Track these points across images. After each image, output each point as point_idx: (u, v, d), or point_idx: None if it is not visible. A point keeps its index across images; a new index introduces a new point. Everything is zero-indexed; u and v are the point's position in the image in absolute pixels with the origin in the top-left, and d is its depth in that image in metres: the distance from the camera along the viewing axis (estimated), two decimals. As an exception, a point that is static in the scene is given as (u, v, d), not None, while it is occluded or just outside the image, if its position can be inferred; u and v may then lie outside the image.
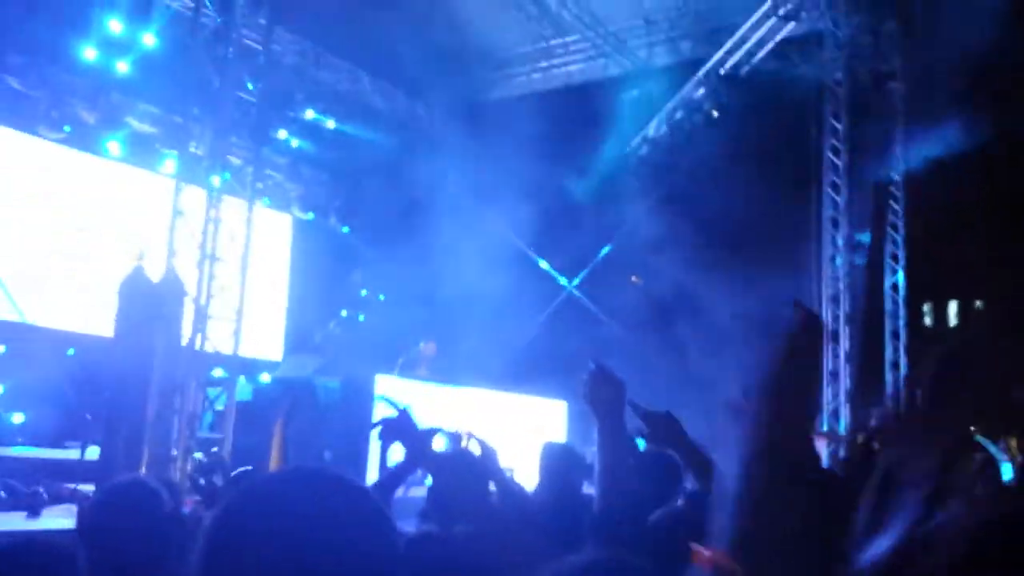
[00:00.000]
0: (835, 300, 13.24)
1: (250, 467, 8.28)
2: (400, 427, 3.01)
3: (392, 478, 3.33)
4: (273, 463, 8.65)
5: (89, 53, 11.78)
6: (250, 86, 8.50)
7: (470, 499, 2.90)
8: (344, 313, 15.35)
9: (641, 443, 3.70)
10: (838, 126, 13.30)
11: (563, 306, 15.41)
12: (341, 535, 1.23)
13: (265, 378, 11.85)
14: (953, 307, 15.32)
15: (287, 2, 11.44)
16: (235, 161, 8.73)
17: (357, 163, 14.42)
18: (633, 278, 15.36)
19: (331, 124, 14.24)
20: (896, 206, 13.95)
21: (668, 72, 13.84)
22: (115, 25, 11.72)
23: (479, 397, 11.79)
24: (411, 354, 11.23)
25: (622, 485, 2.47)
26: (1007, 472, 10.90)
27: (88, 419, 8.76)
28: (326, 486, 1.29)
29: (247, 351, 9.90)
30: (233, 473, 8.10)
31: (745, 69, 12.88)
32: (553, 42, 14.53)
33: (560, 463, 4.41)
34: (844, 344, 13.18)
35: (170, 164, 12.09)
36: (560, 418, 13.25)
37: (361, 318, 15.41)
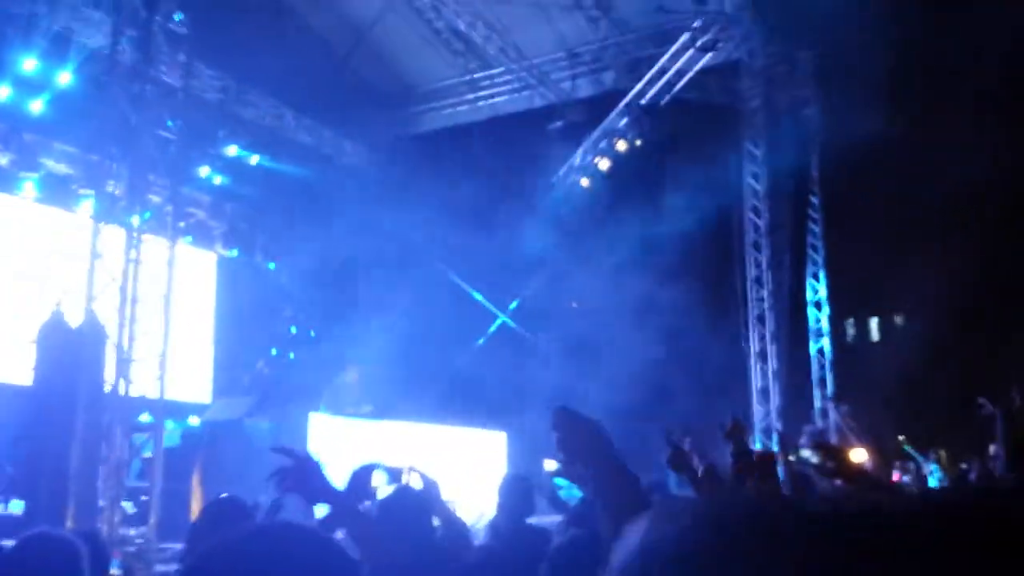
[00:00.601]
0: (761, 320, 13.54)
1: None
2: (304, 479, 2.62)
3: None
4: (194, 512, 8.40)
5: (2, 92, 11.46)
6: (169, 123, 8.34)
7: (414, 535, 2.85)
8: (274, 351, 15.10)
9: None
10: (756, 152, 13.69)
11: (497, 336, 15.42)
12: None
13: (194, 421, 11.53)
14: (874, 323, 15.78)
15: (208, 40, 11.32)
16: (155, 199, 8.54)
17: (282, 199, 14.25)
18: (573, 303, 15.46)
19: (255, 160, 14.07)
20: (815, 227, 14.37)
21: (592, 103, 14.06)
22: (29, 64, 11.43)
23: (417, 431, 11.69)
24: (334, 386, 11.09)
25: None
26: (934, 481, 11.22)
27: (9, 472, 8.40)
28: (299, 545, 1.22)
29: (174, 394, 9.63)
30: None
31: (666, 99, 13.14)
32: (478, 75, 14.64)
33: (518, 494, 4.32)
34: (772, 363, 13.47)
35: (88, 205, 11.78)
36: (500, 449, 13.22)
37: (291, 356, 15.17)
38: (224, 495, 3.12)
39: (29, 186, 12.28)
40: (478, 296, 15.26)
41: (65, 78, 11.74)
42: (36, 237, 11.96)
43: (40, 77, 11.64)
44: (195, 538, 2.93)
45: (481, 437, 12.59)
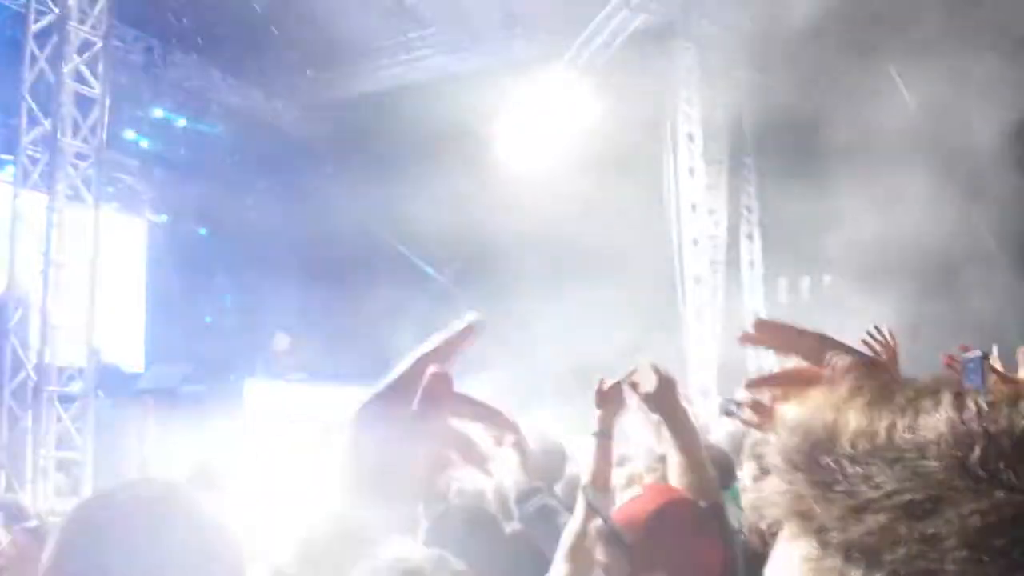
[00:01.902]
0: (697, 280, 13.71)
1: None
2: None
3: None
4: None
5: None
6: (93, 85, 8.05)
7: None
8: (208, 319, 14.85)
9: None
10: (690, 112, 13.77)
11: (436, 297, 15.33)
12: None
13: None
14: (805, 283, 16.08)
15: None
16: (80, 164, 8.26)
17: (212, 163, 13.93)
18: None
19: (182, 123, 13.72)
20: (749, 187, 14.57)
21: (527, 64, 13.97)
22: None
23: (351, 393, 11.57)
24: (267, 353, 10.95)
25: None
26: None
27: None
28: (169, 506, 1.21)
29: (105, 362, 9.41)
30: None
31: (601, 61, 13.12)
32: (411, 35, 14.43)
33: None
34: (709, 325, 13.67)
35: (10, 171, 11.38)
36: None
37: (227, 324, 14.92)
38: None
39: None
40: (416, 258, 15.14)
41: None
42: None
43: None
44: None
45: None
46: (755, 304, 14.51)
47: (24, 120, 7.95)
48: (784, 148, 14.26)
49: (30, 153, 8.10)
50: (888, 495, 0.49)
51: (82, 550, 1.17)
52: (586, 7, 13.46)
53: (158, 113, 13.42)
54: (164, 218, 14.27)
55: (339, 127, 14.25)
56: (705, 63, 13.55)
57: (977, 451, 0.49)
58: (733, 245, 14.53)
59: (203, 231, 14.80)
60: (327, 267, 13.52)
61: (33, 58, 7.88)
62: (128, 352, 12.62)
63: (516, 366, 10.40)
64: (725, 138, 14.09)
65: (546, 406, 8.54)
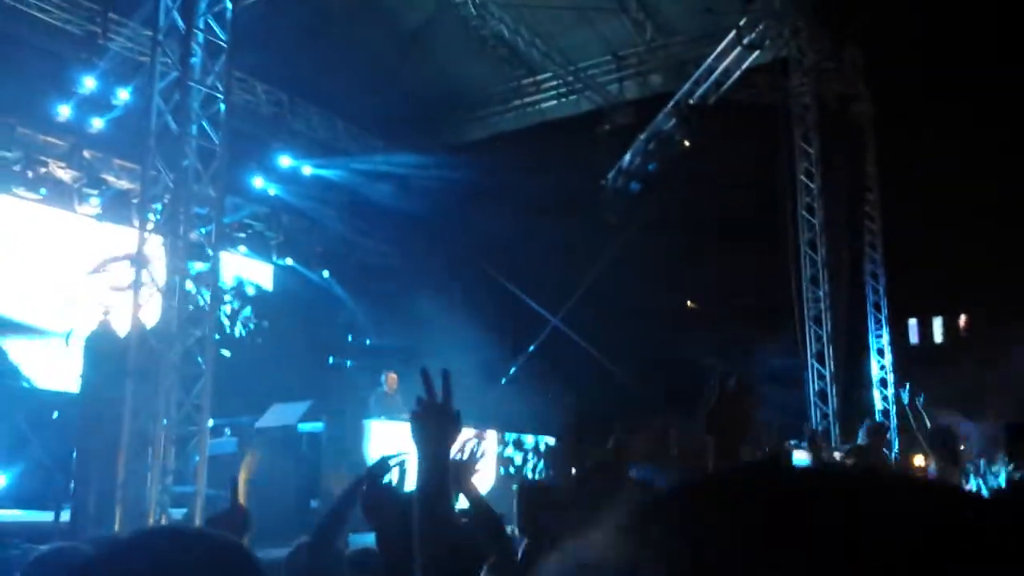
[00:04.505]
0: (817, 321, 13.25)
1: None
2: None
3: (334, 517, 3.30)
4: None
5: (64, 111, 12.04)
6: (211, 133, 8.57)
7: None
8: (331, 360, 15.36)
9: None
10: (810, 149, 13.42)
11: (547, 341, 15.40)
12: None
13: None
14: (938, 323, 15.29)
15: (259, 55, 11.65)
16: (200, 214, 8.78)
17: (334, 208, 14.52)
18: (688, 303, 15.10)
19: (308, 171, 14.39)
20: (872, 225, 14.01)
21: (639, 106, 13.98)
22: (90, 82, 12.02)
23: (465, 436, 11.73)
24: (378, 392, 11.22)
25: None
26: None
27: (62, 479, 8.73)
28: (191, 546, 1.21)
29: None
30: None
31: (713, 99, 12.98)
32: (524, 81, 14.70)
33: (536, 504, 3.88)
34: (829, 364, 13.16)
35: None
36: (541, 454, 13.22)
37: (349, 364, 15.39)
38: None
39: (94, 202, 12.84)
40: (530, 302, 15.28)
41: (124, 95, 12.30)
42: (95, 251, 12.44)
43: (100, 95, 12.23)
44: None
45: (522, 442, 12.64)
46: (880, 346, 13.86)
47: (150, 172, 8.51)
48: (911, 180, 13.67)
49: (154, 205, 8.64)
50: None
51: None
52: (699, 47, 13.40)
53: (286, 161, 14.12)
54: (289, 261, 14.95)
55: (455, 173, 14.59)
56: (821, 98, 13.21)
57: None
58: (857, 285, 13.99)
59: (326, 273, 15.41)
60: (444, 309, 13.80)
61: (159, 112, 8.45)
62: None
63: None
64: (846, 174, 13.65)
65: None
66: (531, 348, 15.26)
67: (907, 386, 12.71)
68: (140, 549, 1.23)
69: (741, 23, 12.50)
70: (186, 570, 1.16)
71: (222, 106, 8.80)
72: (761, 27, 12.45)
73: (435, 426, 2.04)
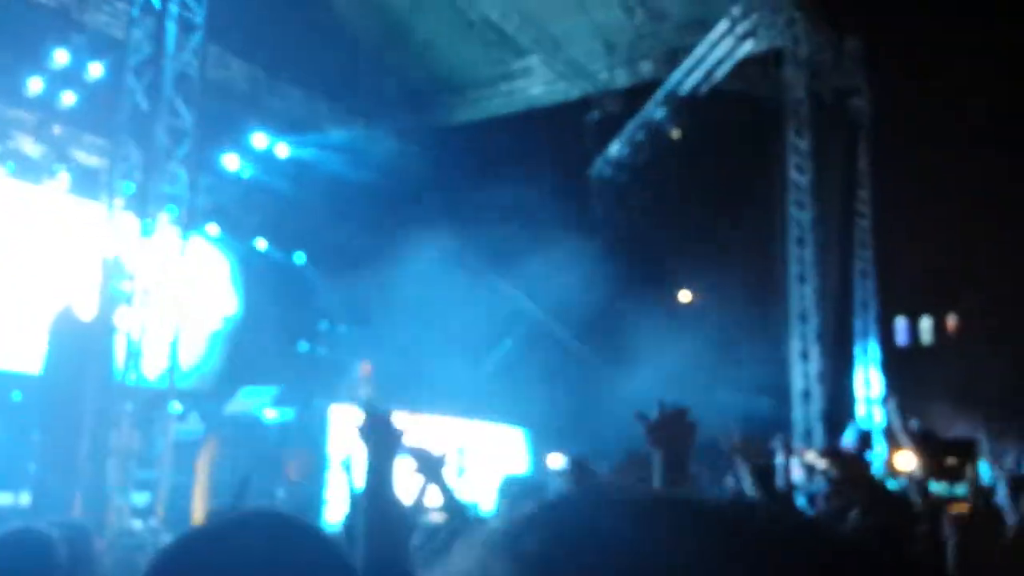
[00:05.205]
0: (803, 318, 13.01)
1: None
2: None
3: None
4: (196, 504, 8.23)
5: (35, 85, 11.58)
6: (184, 112, 8.19)
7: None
8: (305, 346, 14.98)
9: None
10: (800, 144, 13.15)
11: (528, 331, 15.10)
12: None
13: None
14: (926, 323, 15.13)
15: (236, 31, 11.24)
16: (173, 191, 8.39)
17: (312, 191, 14.08)
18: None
19: (284, 151, 13.96)
20: (863, 222, 13.81)
21: (629, 94, 13.69)
22: (61, 57, 11.55)
23: (442, 425, 11.42)
24: (351, 378, 10.91)
25: None
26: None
27: (23, 461, 8.33)
28: (283, 533, 1.13)
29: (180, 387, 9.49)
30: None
31: (705, 89, 12.70)
32: (513, 66, 14.35)
33: (520, 499, 3.98)
34: (815, 363, 12.93)
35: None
36: (520, 446, 12.96)
37: (320, 351, 15.02)
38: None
39: (63, 177, 12.36)
40: (511, 291, 14.95)
41: (96, 71, 11.83)
42: (63, 228, 11.99)
43: (72, 70, 11.76)
44: None
45: (500, 432, 12.38)
46: (867, 346, 13.67)
47: (120, 149, 8.13)
48: (905, 179, 13.50)
49: (125, 182, 8.27)
50: None
51: None
52: (690, 35, 13.12)
53: (261, 139, 13.67)
54: (264, 244, 14.51)
55: (438, 157, 14.25)
56: (816, 92, 12.96)
57: None
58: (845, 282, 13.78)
59: (301, 258, 14.99)
60: (422, 298, 13.47)
61: (130, 90, 8.08)
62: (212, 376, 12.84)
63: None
64: (836, 170, 13.42)
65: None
66: (510, 338, 14.96)
67: (887, 394, 12.65)
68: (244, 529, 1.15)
69: (734, 11, 12.24)
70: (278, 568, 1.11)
71: (195, 83, 8.43)
72: (755, 16, 12.20)
73: (379, 438, 2.36)
